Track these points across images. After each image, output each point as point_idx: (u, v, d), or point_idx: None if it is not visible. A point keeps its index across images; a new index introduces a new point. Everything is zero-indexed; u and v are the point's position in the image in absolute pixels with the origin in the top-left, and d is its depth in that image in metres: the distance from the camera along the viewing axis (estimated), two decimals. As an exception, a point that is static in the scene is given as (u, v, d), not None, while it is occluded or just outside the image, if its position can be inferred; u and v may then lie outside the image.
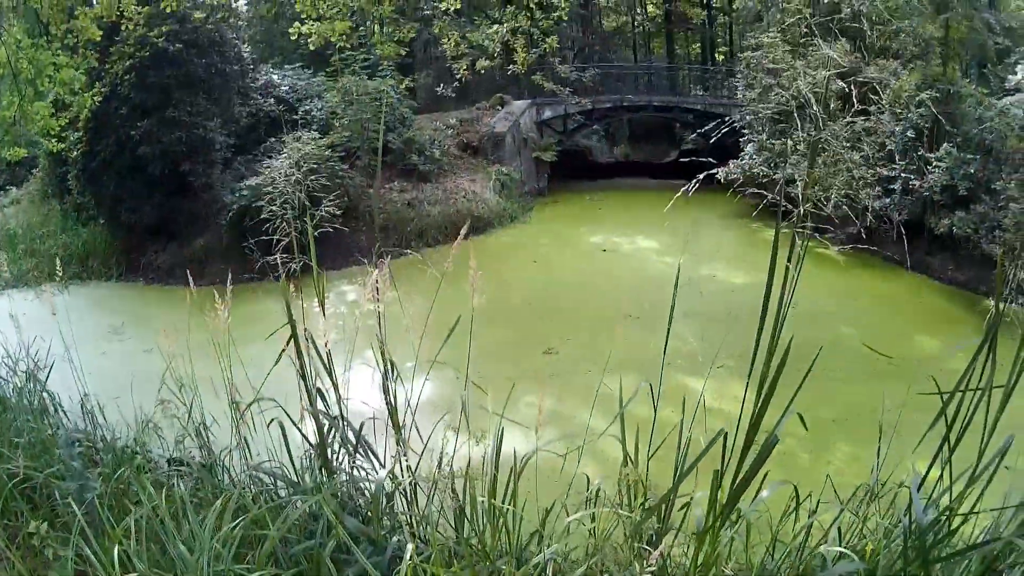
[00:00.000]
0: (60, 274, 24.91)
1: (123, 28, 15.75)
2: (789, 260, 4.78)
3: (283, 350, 6.04)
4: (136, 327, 19.79)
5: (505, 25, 17.41)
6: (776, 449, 11.01)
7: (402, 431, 5.80)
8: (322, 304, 6.04)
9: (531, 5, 17.69)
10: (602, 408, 13.02)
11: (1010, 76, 33.67)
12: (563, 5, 18.80)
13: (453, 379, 6.20)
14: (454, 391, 6.54)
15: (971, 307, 21.03)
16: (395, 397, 5.85)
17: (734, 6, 48.71)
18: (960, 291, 22.34)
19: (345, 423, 5.99)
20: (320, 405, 6.12)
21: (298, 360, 5.92)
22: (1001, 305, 5.06)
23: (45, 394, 9.76)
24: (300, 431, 6.15)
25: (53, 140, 18.20)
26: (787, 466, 11.39)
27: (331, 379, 6.09)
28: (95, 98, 17.78)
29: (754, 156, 30.50)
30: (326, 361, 6.12)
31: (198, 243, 24.75)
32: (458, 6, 17.67)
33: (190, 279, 8.33)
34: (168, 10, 14.61)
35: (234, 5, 23.36)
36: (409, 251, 24.15)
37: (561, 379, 14.41)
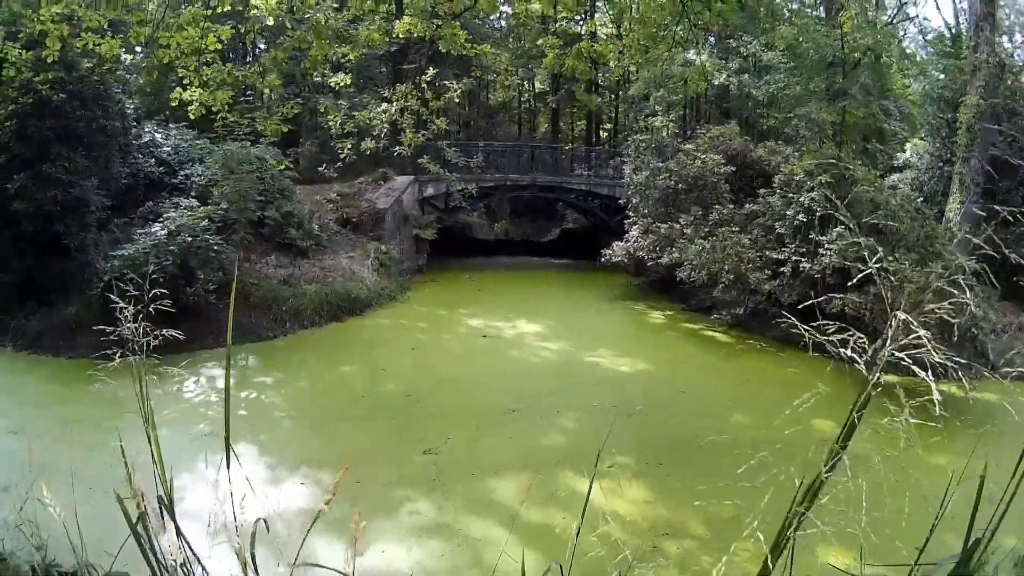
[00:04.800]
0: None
1: (4, 71, 14.68)
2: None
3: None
4: (3, 401, 18.38)
5: (395, 105, 16.70)
6: (676, 553, 10.31)
7: None
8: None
9: (423, 84, 17.07)
10: (492, 516, 12.27)
11: (899, 154, 34.45)
12: (457, 87, 18.26)
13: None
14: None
15: (865, 384, 20.65)
16: None
17: (629, 92, 48.88)
18: (853, 368, 21.84)
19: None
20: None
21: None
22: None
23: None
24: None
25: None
26: (688, 572, 10.68)
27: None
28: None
29: (640, 238, 30.25)
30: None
31: (69, 310, 23.07)
32: (348, 82, 16.99)
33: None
34: (50, 59, 13.59)
35: (123, 58, 22.01)
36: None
37: (443, 484, 13.37)
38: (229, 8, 13.29)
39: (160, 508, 4.93)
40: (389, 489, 12.95)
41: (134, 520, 4.78)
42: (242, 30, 14.53)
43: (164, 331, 5.21)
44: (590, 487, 5.07)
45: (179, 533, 4.74)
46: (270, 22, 13.82)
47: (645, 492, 13.03)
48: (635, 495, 12.93)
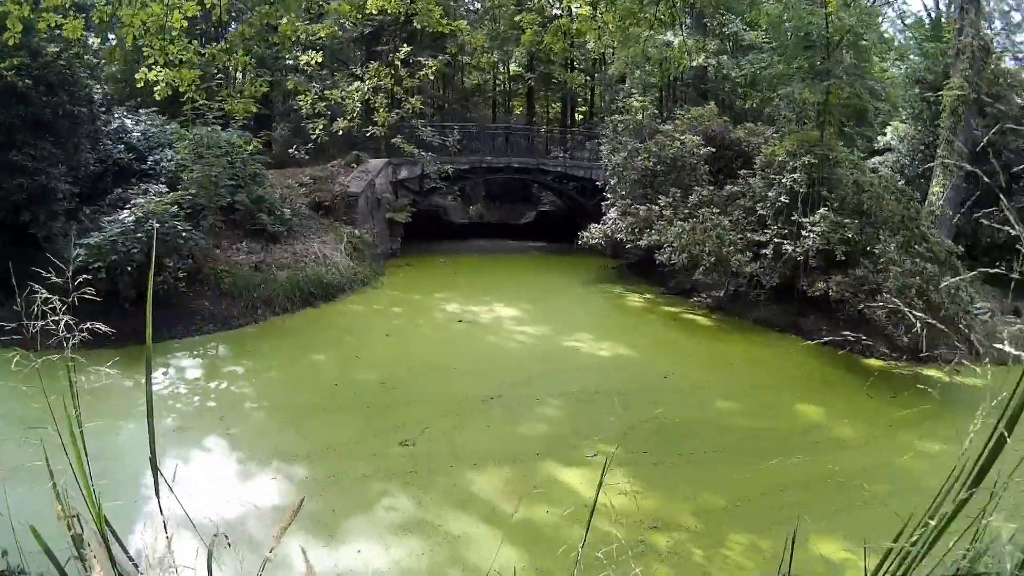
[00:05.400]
0: None
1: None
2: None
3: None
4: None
5: (367, 83, 16.16)
6: (666, 547, 9.85)
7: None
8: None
9: (396, 62, 16.55)
10: (472, 510, 11.80)
11: (879, 137, 34.40)
12: (431, 64, 17.74)
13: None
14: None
15: (848, 367, 20.74)
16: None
17: (608, 72, 48.55)
18: (835, 351, 21.77)
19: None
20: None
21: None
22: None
23: None
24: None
25: None
26: (681, 567, 10.24)
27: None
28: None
29: (618, 220, 29.86)
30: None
31: (38, 300, 22.31)
32: (319, 59, 16.41)
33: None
34: (11, 43, 13.05)
35: (91, 42, 21.40)
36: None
37: (421, 477, 12.85)
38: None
39: (102, 532, 4.35)
40: (365, 483, 12.47)
41: (69, 542, 4.24)
42: (208, 4, 13.94)
43: (89, 324, 4.59)
44: (598, 492, 4.59)
45: (113, 562, 4.17)
46: (236, -8, 13.29)
47: (632, 482, 12.59)
48: (622, 486, 12.51)
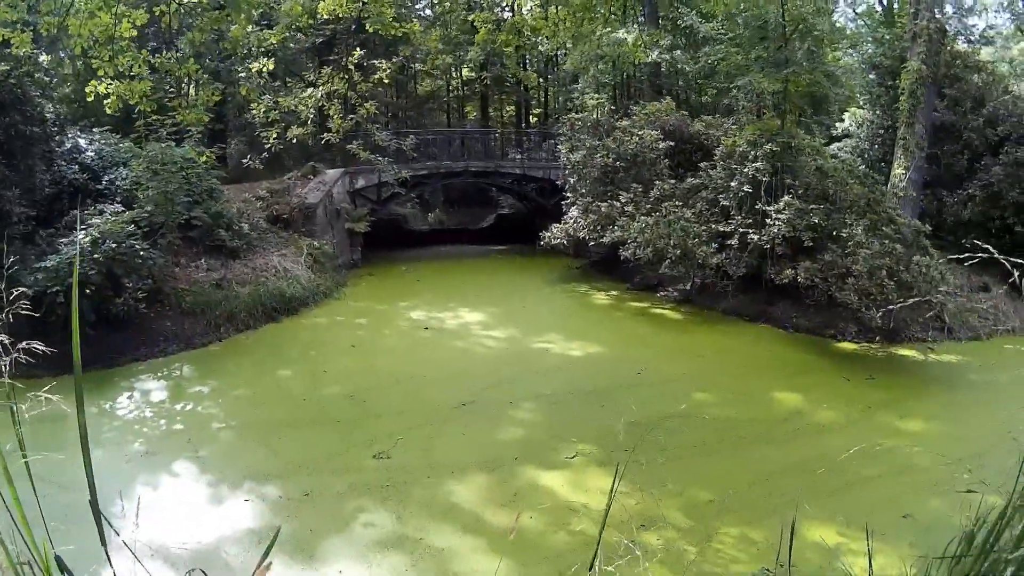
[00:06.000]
0: None
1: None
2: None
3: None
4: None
5: (320, 89, 15.84)
6: (658, 545, 9.61)
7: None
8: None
9: (349, 66, 16.24)
10: (454, 521, 11.48)
11: (837, 123, 34.75)
12: (385, 67, 17.46)
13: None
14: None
15: (822, 352, 20.94)
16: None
17: (564, 66, 48.63)
18: (807, 337, 22.40)
19: None
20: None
21: None
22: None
23: None
24: None
25: None
26: (674, 564, 9.98)
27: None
28: None
29: (579, 219, 29.79)
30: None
31: (-4, 330, 21.71)
32: (271, 67, 16.05)
33: None
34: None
35: (40, 60, 20.89)
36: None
37: (398, 490, 12.45)
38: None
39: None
40: (341, 500, 12.07)
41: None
42: (157, 12, 13.56)
43: (25, 344, 4.26)
44: (609, 501, 4.31)
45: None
46: (185, -1, 12.94)
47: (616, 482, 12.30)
48: (604, 486, 12.26)
